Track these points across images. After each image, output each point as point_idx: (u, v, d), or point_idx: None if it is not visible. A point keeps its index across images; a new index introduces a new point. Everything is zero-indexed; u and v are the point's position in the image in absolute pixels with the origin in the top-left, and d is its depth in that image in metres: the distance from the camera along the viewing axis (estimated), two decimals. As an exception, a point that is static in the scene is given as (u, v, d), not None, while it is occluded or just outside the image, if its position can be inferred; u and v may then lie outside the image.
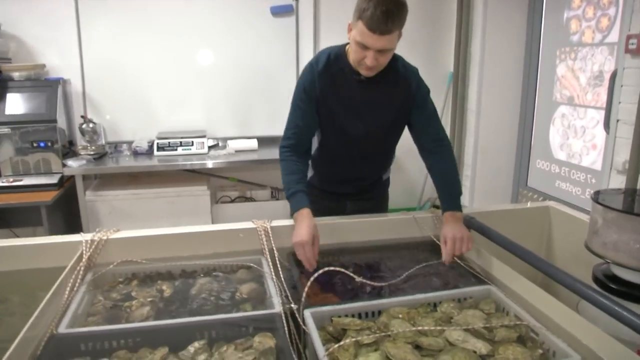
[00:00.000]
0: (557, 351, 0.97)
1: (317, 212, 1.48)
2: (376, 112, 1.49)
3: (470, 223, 1.51)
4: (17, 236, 2.85)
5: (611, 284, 1.18)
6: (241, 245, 1.43)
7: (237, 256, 1.40)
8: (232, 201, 3.47)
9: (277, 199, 3.51)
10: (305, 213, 1.35)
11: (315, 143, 1.61)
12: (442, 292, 1.17)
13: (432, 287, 1.24)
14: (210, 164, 2.98)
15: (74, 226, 2.86)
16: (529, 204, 1.76)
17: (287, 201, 1.41)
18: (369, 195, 1.70)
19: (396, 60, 1.48)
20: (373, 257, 1.43)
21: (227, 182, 3.55)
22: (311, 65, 1.50)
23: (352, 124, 1.50)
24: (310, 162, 1.60)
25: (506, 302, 1.15)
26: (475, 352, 0.97)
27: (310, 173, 1.67)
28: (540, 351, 0.98)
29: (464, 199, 3.86)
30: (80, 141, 3.12)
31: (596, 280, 1.22)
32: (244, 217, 1.49)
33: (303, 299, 1.13)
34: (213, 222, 3.13)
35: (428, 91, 1.52)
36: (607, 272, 1.22)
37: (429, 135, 1.51)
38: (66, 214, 2.86)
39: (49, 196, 2.57)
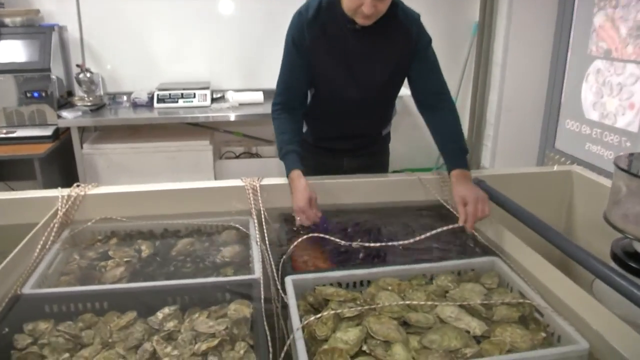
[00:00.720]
0: (562, 335, 0.91)
1: (312, 169, 1.45)
2: (373, 64, 1.43)
3: (478, 187, 1.42)
4: (13, 190, 2.87)
5: (631, 262, 1.09)
6: (231, 205, 1.41)
7: (226, 216, 1.37)
8: (237, 157, 3.44)
9: (285, 156, 3.45)
10: (296, 176, 1.33)
11: (308, 97, 1.55)
12: (440, 263, 1.12)
13: (433, 256, 1.19)
14: (213, 117, 2.94)
15: (71, 181, 2.84)
16: (551, 168, 1.68)
17: (281, 159, 1.39)
18: (368, 151, 1.67)
19: (396, 5, 1.40)
20: (371, 221, 1.39)
21: (231, 137, 3.52)
22: (300, 14, 1.41)
23: (347, 78, 1.45)
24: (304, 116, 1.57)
25: (510, 276, 1.09)
26: (468, 332, 0.91)
27: (304, 128, 1.62)
28: (543, 335, 0.91)
29: (485, 161, 3.75)
30: (78, 92, 3.07)
31: (614, 257, 1.13)
32: (249, 174, 1.49)
33: (281, 263, 1.10)
34: (216, 179, 3.12)
35: (430, 40, 1.44)
36: (627, 248, 1.13)
37: (429, 89, 1.45)
38: (63, 168, 2.85)
39: (43, 149, 2.55)
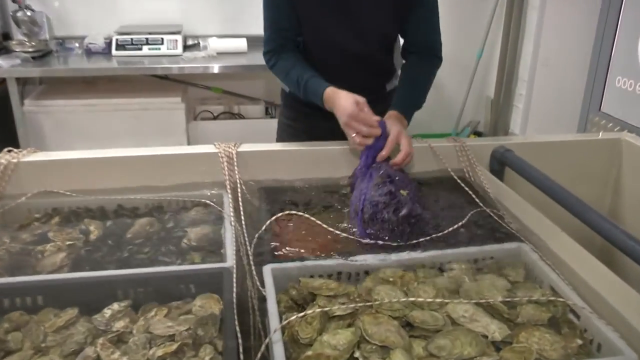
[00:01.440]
0: (603, 343, 0.88)
1: (303, 134, 1.49)
2: (369, 7, 1.45)
3: (504, 157, 1.42)
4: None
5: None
6: (201, 176, 1.39)
7: (195, 190, 1.36)
8: (215, 118, 3.42)
9: (273, 117, 3.42)
10: (331, 91, 1.38)
11: None
12: (452, 250, 1.10)
13: (448, 241, 1.18)
14: (186, 69, 2.91)
15: (9, 144, 2.81)
16: (596, 135, 1.66)
17: (308, 100, 1.45)
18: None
19: None
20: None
21: (208, 94, 3.48)
22: None
23: (340, 23, 1.47)
24: None
25: (540, 267, 1.06)
26: (486, 336, 0.88)
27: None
28: (579, 342, 0.88)
29: (514, 126, 3.72)
30: (17, 35, 2.99)
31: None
32: (230, 137, 1.48)
33: (251, 248, 1.08)
34: (190, 144, 3.12)
35: None
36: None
37: (419, 37, 1.52)
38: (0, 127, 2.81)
39: (-28, 104, 2.50)
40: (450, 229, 1.21)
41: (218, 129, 3.26)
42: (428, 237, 1.18)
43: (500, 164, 1.46)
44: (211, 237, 1.20)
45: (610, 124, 2.99)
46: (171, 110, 3.00)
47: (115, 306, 0.96)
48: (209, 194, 1.35)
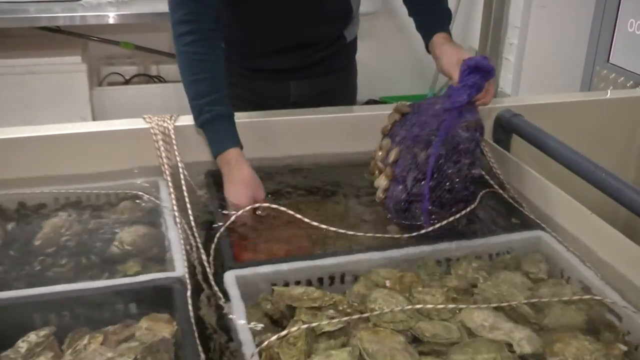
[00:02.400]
0: (652, 347, 0.93)
1: (243, 102, 1.47)
2: None
3: (512, 124, 1.46)
4: None
5: None
6: (127, 160, 1.39)
7: (121, 179, 1.36)
8: (127, 82, 3.35)
9: (202, 79, 3.38)
10: (234, 158, 1.32)
11: None
12: (458, 243, 1.14)
13: (446, 233, 1.21)
14: (87, 18, 2.83)
15: None
16: (609, 93, 1.72)
17: (199, 126, 1.37)
18: (326, 68, 1.69)
19: None
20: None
21: (116, 51, 3.40)
22: None
23: None
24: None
25: (567, 260, 1.10)
26: (511, 346, 0.90)
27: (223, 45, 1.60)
28: (623, 348, 0.92)
29: (504, 84, 3.80)
30: None
31: None
32: (147, 109, 1.48)
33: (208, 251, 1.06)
34: (95, 118, 3.04)
35: None
36: None
37: None
38: None
39: None
40: (457, 215, 1.23)
41: (131, 96, 3.19)
42: (435, 226, 1.21)
43: (506, 131, 1.49)
44: (150, 238, 1.20)
45: (622, 78, 3.09)
46: (68, 74, 2.92)
47: (33, 337, 0.93)
48: (139, 182, 1.34)
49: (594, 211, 1.18)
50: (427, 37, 1.48)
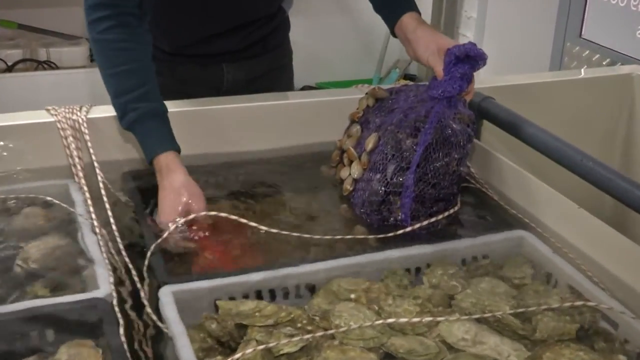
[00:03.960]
0: (652, 356, 0.98)
1: (170, 90, 1.45)
2: None
3: (483, 108, 1.49)
4: None
5: None
6: (29, 160, 1.40)
7: (22, 181, 1.37)
8: (10, 69, 3.33)
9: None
10: (165, 165, 1.31)
11: None
12: (428, 247, 1.18)
13: (415, 235, 1.25)
14: None
15: None
16: (582, 73, 1.76)
17: (126, 128, 1.37)
18: (263, 47, 1.75)
19: None
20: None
21: None
22: None
23: None
24: None
25: (553, 262, 1.14)
26: (498, 361, 0.95)
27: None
28: (622, 358, 0.96)
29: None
30: None
31: None
32: (37, 99, 1.45)
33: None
34: None
35: None
36: None
37: None
38: None
39: None
40: (439, 216, 1.28)
41: (16, 86, 3.18)
42: (415, 226, 1.25)
43: (475, 118, 1.53)
44: (63, 252, 1.19)
45: (597, 56, 3.19)
46: None
47: None
48: (45, 185, 1.34)
49: (579, 202, 1.23)
50: (392, 19, 1.49)
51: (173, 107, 1.43)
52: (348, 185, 1.33)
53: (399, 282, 1.12)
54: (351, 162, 1.35)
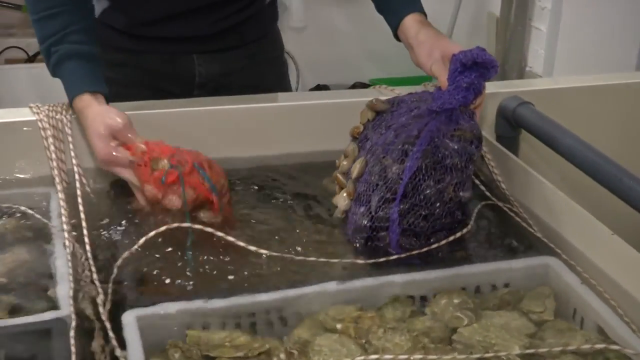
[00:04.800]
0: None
1: (133, 87, 1.55)
2: None
3: (518, 115, 1.48)
4: None
5: None
6: (12, 164, 1.43)
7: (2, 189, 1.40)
8: (31, 59, 3.40)
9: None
10: (81, 107, 1.37)
11: None
12: (438, 272, 1.16)
13: (423, 258, 1.23)
14: None
15: None
16: None
17: (52, 74, 1.46)
18: (240, 39, 1.75)
19: None
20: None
21: (17, 17, 3.45)
22: None
23: None
24: None
25: (580, 295, 1.11)
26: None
27: (101, 4, 1.63)
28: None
29: (534, 62, 3.81)
30: None
31: None
32: (58, 93, 1.49)
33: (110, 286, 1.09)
34: None
35: None
36: None
37: None
38: None
39: None
40: (444, 241, 1.24)
41: (37, 78, 3.18)
42: (411, 252, 1.22)
43: (512, 125, 1.51)
44: (32, 268, 1.20)
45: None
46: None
47: None
48: (27, 193, 1.36)
49: (625, 229, 1.19)
50: (393, 21, 1.49)
51: (135, 108, 1.45)
52: (339, 214, 1.31)
53: (400, 311, 1.10)
54: (342, 187, 1.32)
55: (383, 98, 1.39)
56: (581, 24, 3.58)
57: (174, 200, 1.27)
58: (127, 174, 1.31)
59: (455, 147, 1.22)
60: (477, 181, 1.41)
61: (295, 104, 1.62)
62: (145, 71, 1.67)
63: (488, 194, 1.38)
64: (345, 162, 1.35)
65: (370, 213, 1.22)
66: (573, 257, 1.21)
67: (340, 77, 4.07)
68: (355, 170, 1.28)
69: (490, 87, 1.60)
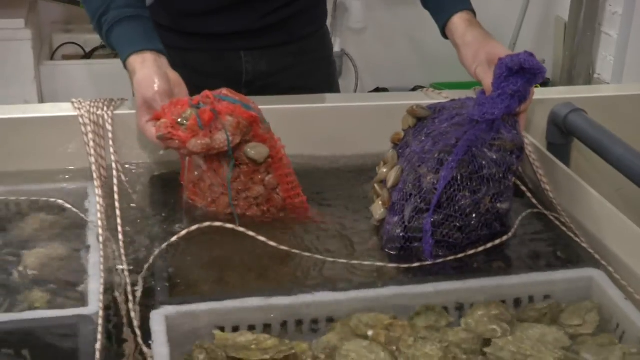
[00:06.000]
0: None
1: (187, 83, 1.48)
2: None
3: (570, 123, 1.45)
4: None
5: None
6: (53, 158, 1.44)
7: (36, 181, 1.40)
8: (88, 55, 3.42)
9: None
10: (132, 68, 1.39)
11: None
12: (474, 281, 1.15)
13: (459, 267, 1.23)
14: None
15: None
16: None
17: (108, 45, 1.49)
18: (290, 34, 1.76)
19: None
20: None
21: (74, 12, 3.46)
22: None
23: None
24: None
25: (624, 312, 1.09)
26: None
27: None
28: None
29: (602, 68, 3.75)
30: None
31: None
32: (115, 90, 1.54)
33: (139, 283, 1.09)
34: (44, 99, 3.14)
35: None
36: None
37: None
38: None
39: None
40: (488, 245, 1.24)
41: (93, 74, 3.27)
42: (447, 258, 1.22)
43: (563, 133, 1.49)
44: (66, 263, 1.21)
45: None
46: (7, 42, 3.00)
47: None
48: (61, 188, 1.36)
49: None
50: (441, 18, 1.48)
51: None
52: (375, 222, 1.30)
53: (433, 321, 1.09)
54: (378, 195, 1.31)
55: (428, 103, 1.38)
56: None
57: (222, 139, 1.24)
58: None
59: (494, 157, 1.21)
60: (524, 188, 1.39)
61: (342, 105, 1.63)
62: (192, 69, 1.67)
63: (534, 201, 1.36)
64: (384, 170, 1.34)
65: (404, 223, 1.21)
66: (618, 270, 1.19)
67: (401, 80, 4.05)
68: (390, 179, 1.28)
69: (543, 92, 1.59)
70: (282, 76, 1.74)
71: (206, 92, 1.28)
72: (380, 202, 1.29)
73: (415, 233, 1.21)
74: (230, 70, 1.73)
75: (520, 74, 1.20)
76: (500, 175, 1.22)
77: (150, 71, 1.35)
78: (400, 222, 1.22)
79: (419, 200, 1.21)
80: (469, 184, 1.20)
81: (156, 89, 1.31)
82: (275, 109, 1.48)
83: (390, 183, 1.27)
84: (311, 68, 1.81)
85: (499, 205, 1.22)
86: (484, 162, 1.21)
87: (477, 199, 1.20)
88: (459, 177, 1.19)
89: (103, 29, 1.43)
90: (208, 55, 1.72)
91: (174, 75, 1.36)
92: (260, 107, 1.35)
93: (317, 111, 1.58)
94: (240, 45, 1.71)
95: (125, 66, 1.40)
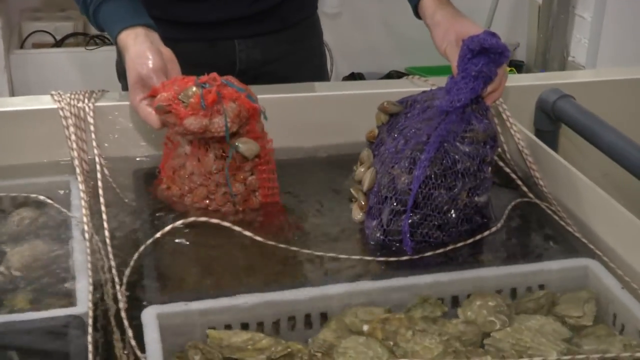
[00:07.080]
0: None
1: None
2: None
3: (558, 109, 1.45)
4: None
5: None
6: (28, 152, 1.44)
7: (18, 177, 1.39)
8: (59, 43, 3.40)
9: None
10: (123, 45, 1.38)
11: None
12: (470, 272, 1.15)
13: (459, 259, 1.23)
14: None
15: None
16: None
17: (96, 26, 1.48)
18: (282, 21, 1.76)
19: None
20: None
21: (45, 1, 3.48)
22: None
23: None
24: None
25: (622, 302, 1.09)
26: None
27: None
28: None
29: (576, 52, 3.77)
30: None
31: None
32: (86, 79, 1.49)
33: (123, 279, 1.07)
34: (13, 91, 3.14)
35: None
36: None
37: None
38: None
39: None
40: (476, 237, 1.23)
41: (64, 63, 3.26)
42: (440, 250, 1.21)
43: (551, 119, 1.49)
44: (50, 261, 1.20)
45: None
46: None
47: None
48: (46, 182, 1.36)
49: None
50: None
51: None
52: (356, 221, 1.30)
53: (429, 313, 1.09)
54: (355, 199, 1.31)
55: (393, 101, 1.38)
56: (627, 12, 3.54)
57: (220, 124, 1.24)
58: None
59: (467, 150, 1.21)
60: (514, 176, 1.40)
61: (329, 94, 1.63)
62: (185, 61, 1.64)
63: (525, 189, 1.36)
64: (361, 169, 1.33)
65: (382, 227, 1.21)
66: (613, 259, 1.19)
67: (376, 65, 4.07)
68: (365, 182, 1.28)
69: (530, 79, 1.59)
70: (274, 66, 1.74)
71: (214, 74, 1.28)
72: (357, 207, 1.29)
73: (395, 236, 1.21)
74: (223, 59, 1.73)
75: (483, 54, 1.20)
76: (475, 168, 1.22)
77: (143, 47, 1.35)
78: (378, 225, 1.22)
79: (395, 203, 1.20)
80: (443, 180, 1.20)
81: (151, 65, 1.31)
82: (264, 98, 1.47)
83: (365, 187, 1.28)
84: (303, 58, 1.81)
85: (476, 198, 1.23)
86: (457, 157, 1.20)
87: (454, 195, 1.20)
88: (432, 175, 1.19)
89: (90, 10, 1.42)
90: (201, 44, 1.71)
91: (166, 51, 1.36)
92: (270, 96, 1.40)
93: (307, 100, 1.58)
94: (234, 32, 1.71)
95: (115, 43, 1.41)
